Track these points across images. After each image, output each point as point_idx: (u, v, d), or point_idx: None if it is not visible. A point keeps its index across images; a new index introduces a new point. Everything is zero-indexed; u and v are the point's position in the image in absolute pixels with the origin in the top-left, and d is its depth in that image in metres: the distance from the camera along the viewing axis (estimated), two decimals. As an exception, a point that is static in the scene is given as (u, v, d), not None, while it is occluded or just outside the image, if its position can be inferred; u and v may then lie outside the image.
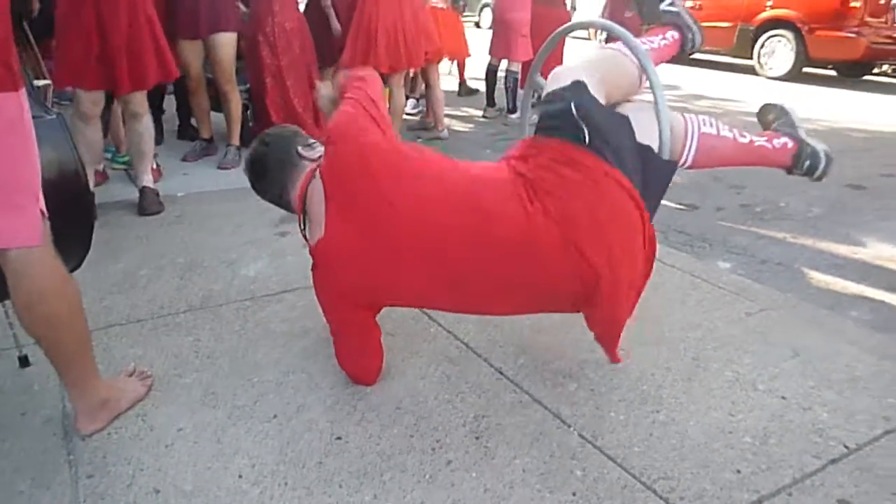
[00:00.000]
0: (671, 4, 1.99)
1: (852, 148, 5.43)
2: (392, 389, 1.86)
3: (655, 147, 1.78)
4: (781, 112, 2.09)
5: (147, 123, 3.28)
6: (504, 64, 6.35)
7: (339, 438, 1.65)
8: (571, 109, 1.65)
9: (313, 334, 2.13)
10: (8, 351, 1.91)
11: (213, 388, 1.84)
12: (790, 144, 2.01)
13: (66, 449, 1.58)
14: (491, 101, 6.76)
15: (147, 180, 3.36)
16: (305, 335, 2.13)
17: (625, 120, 1.77)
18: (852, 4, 8.29)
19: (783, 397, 1.87)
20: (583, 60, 1.95)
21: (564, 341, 2.12)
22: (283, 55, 4.35)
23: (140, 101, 3.20)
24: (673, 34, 2.10)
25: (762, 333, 2.22)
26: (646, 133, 1.77)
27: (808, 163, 1.98)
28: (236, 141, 4.25)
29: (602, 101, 1.75)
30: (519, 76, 6.34)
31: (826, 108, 7.06)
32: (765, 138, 2.01)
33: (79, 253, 1.77)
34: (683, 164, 1.90)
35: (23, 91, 1.34)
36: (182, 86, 4.51)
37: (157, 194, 3.36)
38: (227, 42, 3.99)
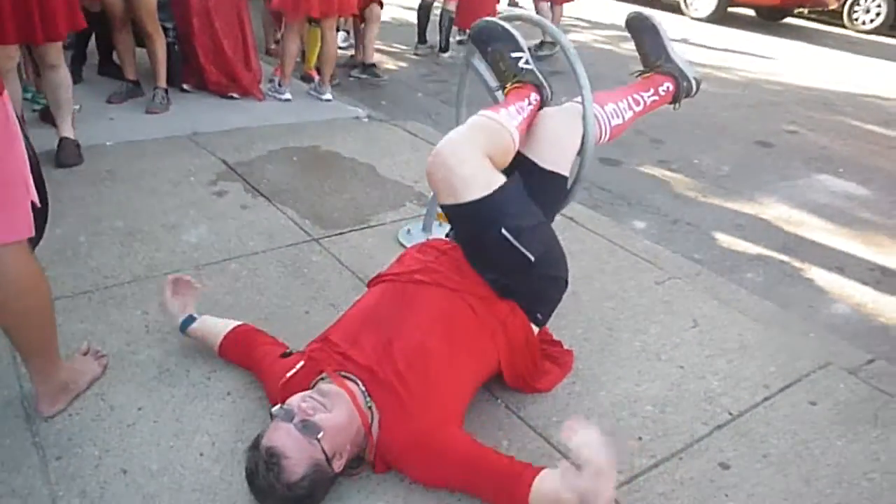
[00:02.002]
0: (526, 62, 2.02)
1: (763, 102, 5.76)
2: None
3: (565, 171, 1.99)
4: (656, 39, 2.26)
5: (64, 74, 3.18)
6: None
7: (289, 414, 1.81)
8: (507, 238, 1.71)
9: (259, 308, 2.25)
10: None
11: (167, 364, 1.95)
12: (672, 87, 2.25)
13: (31, 431, 1.68)
14: (422, 38, 6.74)
15: (67, 130, 3.29)
16: (252, 309, 2.24)
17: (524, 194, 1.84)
18: (774, -50, 8.52)
19: (681, 366, 2.13)
20: (459, 135, 1.79)
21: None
22: (209, -5, 4.22)
23: (56, 52, 3.08)
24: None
25: (668, 303, 2.48)
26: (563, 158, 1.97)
27: (685, 95, 2.28)
28: (163, 83, 4.15)
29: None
30: (454, 15, 6.33)
31: (743, 59, 7.36)
32: (652, 91, 2.23)
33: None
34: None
35: (6, 94, 1.39)
36: (102, 21, 4.32)
37: (78, 146, 3.30)
38: (150, -18, 3.84)
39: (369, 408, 1.54)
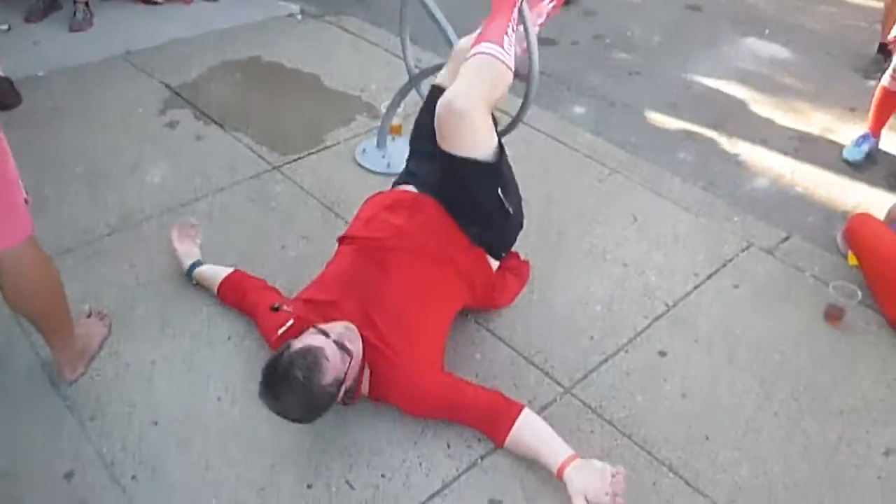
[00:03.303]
0: None
1: (693, -43, 5.75)
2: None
3: None
4: None
5: None
6: None
7: (287, 351, 2.04)
8: (500, 197, 1.91)
9: (236, 248, 2.40)
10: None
11: (166, 316, 2.14)
12: None
13: (60, 396, 1.89)
14: None
15: None
16: (229, 249, 2.39)
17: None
18: None
19: (625, 264, 2.42)
20: (472, 88, 1.80)
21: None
22: None
23: None
24: None
25: (610, 201, 2.73)
26: None
27: None
28: (82, -4, 3.97)
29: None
30: None
31: None
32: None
33: None
34: None
35: None
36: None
37: (12, 83, 3.23)
38: None
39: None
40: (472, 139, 1.81)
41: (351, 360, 1.65)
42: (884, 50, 3.99)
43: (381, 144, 2.90)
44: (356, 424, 1.84)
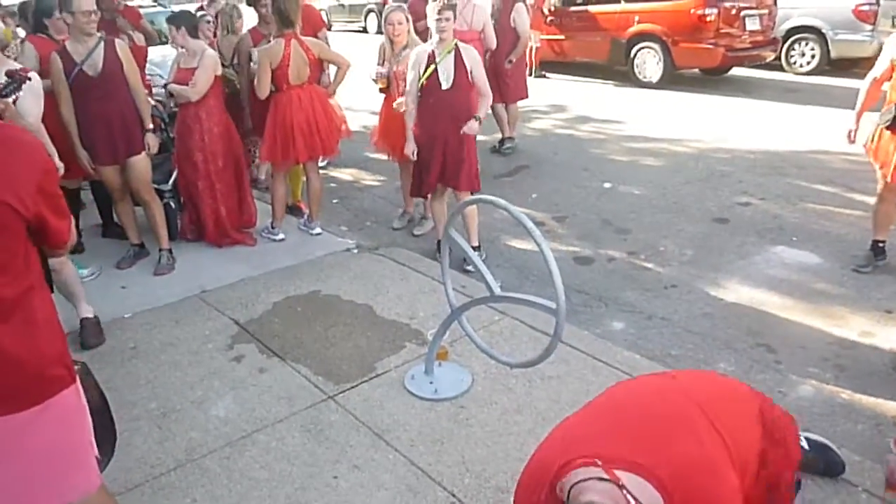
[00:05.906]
0: None
1: (715, 174, 6.20)
2: (369, 528, 2.31)
3: None
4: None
5: (68, 271, 3.50)
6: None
7: (337, 587, 2.09)
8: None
9: (291, 479, 2.55)
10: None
11: (223, 552, 2.24)
12: None
13: None
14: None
15: (86, 311, 3.61)
16: (285, 481, 2.54)
17: None
18: (707, 18, 9.17)
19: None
20: None
21: (498, 453, 2.63)
22: (212, 161, 4.60)
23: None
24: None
25: (650, 418, 2.79)
26: None
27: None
28: (167, 245, 4.52)
29: None
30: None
31: (691, 125, 7.85)
32: None
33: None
34: None
35: (77, 381, 1.71)
36: (102, 187, 4.62)
37: (98, 323, 3.62)
38: (142, 161, 4.24)
39: None
40: None
41: None
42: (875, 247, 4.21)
43: (428, 371, 3.09)
44: None
